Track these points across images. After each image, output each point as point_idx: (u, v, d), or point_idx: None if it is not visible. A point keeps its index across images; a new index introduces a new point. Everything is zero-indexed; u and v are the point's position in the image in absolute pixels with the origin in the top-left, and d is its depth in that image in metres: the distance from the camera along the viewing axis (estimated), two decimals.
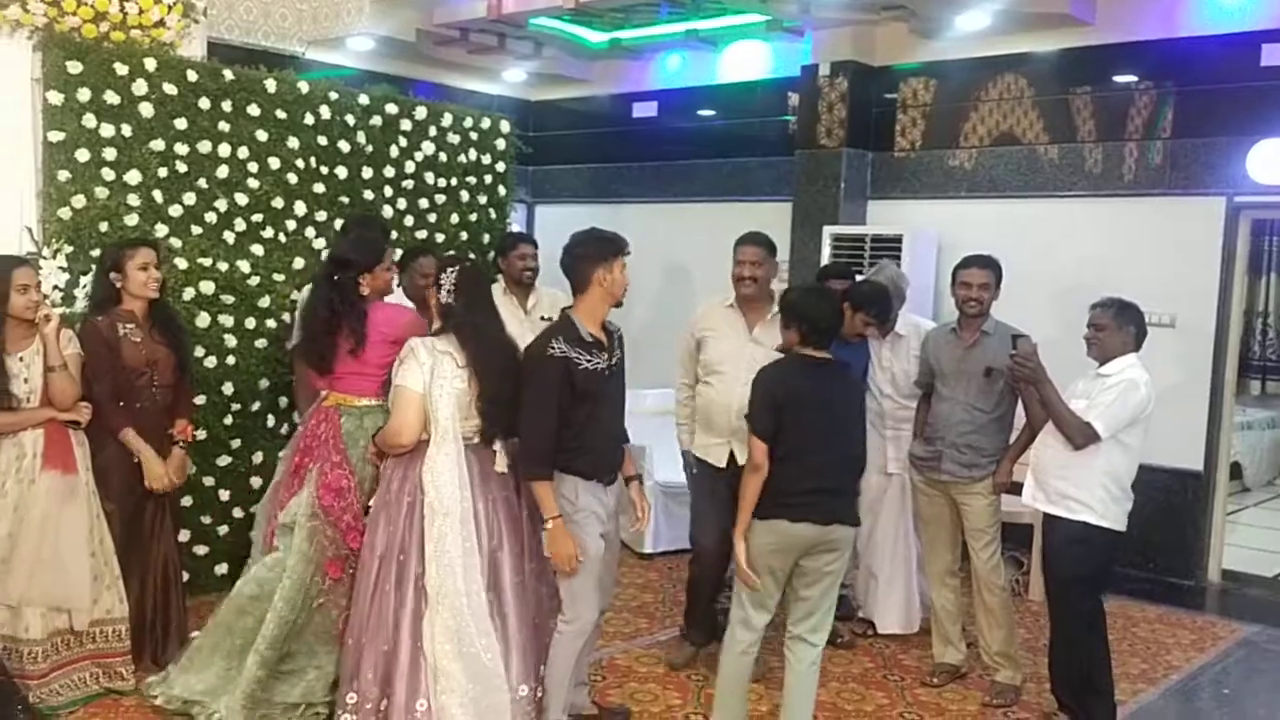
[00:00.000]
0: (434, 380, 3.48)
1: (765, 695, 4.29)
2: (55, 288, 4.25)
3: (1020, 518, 4.76)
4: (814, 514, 3.54)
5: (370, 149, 5.44)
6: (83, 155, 4.42)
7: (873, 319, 4.77)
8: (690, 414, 4.60)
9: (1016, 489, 4.32)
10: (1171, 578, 6.14)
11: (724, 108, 8.32)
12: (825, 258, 6.88)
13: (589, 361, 3.56)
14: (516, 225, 7.40)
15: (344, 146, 5.32)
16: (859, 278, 5.18)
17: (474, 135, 5.99)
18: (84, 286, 4.31)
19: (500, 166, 6.16)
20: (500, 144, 6.15)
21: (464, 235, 5.97)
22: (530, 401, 3.54)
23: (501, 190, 6.18)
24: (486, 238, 6.09)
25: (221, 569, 4.86)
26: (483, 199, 6.07)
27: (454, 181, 5.89)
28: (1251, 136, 5.84)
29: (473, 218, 6.01)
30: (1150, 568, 6.14)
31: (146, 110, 4.58)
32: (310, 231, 5.19)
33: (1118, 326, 3.98)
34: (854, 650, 4.91)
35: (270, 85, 5.00)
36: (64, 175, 4.39)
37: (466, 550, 3.47)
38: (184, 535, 4.62)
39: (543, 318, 5.24)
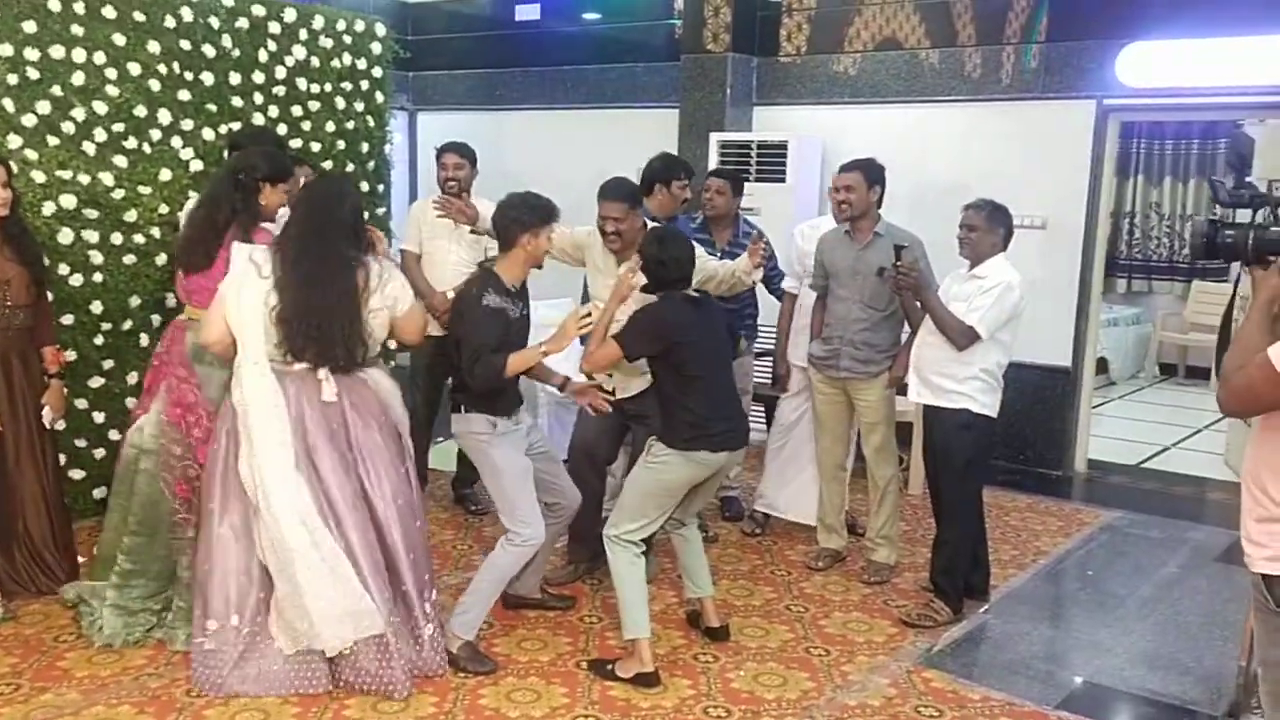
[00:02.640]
0: (238, 291, 3.41)
1: (658, 595, 4.40)
2: None
3: (903, 416, 4.92)
4: (730, 441, 3.81)
5: (237, 54, 5.20)
6: None
7: (688, 182, 4.90)
8: None
9: (903, 389, 4.48)
10: (1041, 469, 6.45)
11: (609, 10, 8.15)
12: (713, 165, 6.86)
13: (512, 310, 3.72)
14: (397, 134, 7.18)
15: (209, 51, 5.06)
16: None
17: (348, 39, 5.76)
18: None
19: (377, 72, 5.95)
20: (376, 48, 5.94)
21: (341, 144, 5.78)
22: (471, 339, 3.64)
23: (379, 97, 5.98)
24: (365, 146, 5.91)
25: (100, 492, 4.71)
26: (360, 106, 5.87)
27: (328, 88, 5.68)
28: (1121, 40, 5.98)
29: (350, 125, 5.82)
30: (1021, 459, 6.44)
31: None
32: (177, 141, 4.96)
33: (989, 228, 4.12)
34: (742, 549, 5.06)
35: None
36: None
37: (284, 469, 3.38)
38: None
39: (472, 230, 5.01)
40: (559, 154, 7.96)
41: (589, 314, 3.75)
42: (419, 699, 3.53)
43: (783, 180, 6.73)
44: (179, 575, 3.86)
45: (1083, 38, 6.17)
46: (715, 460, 3.78)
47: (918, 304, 4.24)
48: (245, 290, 3.41)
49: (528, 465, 3.84)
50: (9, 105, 4.38)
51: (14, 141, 4.39)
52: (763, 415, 6.77)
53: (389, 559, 3.57)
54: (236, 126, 5.11)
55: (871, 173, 4.50)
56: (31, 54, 4.43)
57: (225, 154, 4.76)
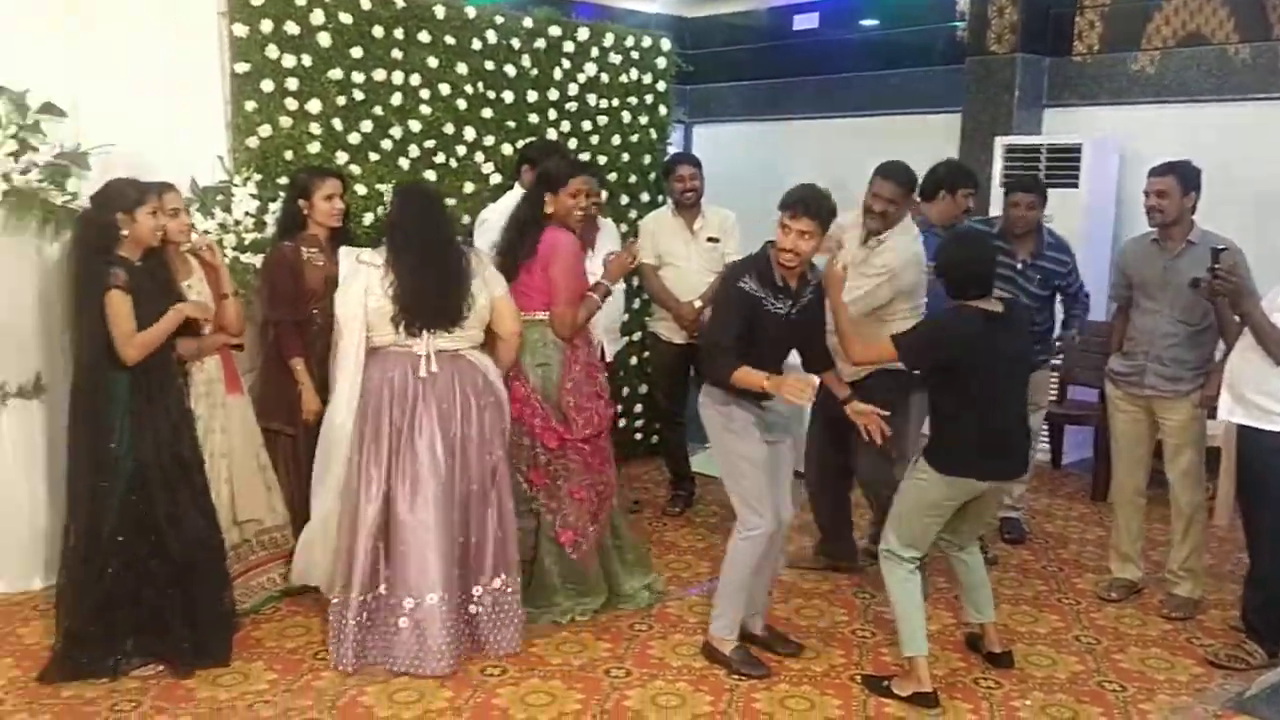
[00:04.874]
0: (347, 293, 3.75)
1: (934, 615, 4.27)
2: (246, 213, 4.47)
3: (1210, 440, 4.54)
4: (1000, 473, 3.68)
5: (535, 72, 5.50)
6: (267, 85, 4.60)
7: (972, 191, 4.83)
8: None
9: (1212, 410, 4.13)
10: None
11: (888, 17, 8.04)
12: (997, 171, 6.62)
13: (773, 304, 3.64)
14: (675, 145, 7.37)
15: (510, 71, 5.39)
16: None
17: (635, 55, 5.98)
18: (273, 213, 4.52)
19: (660, 86, 6.15)
20: (661, 63, 6.13)
21: (625, 156, 5.99)
22: (715, 323, 3.76)
23: (662, 110, 6.17)
24: (647, 158, 6.10)
25: None
26: (643, 119, 6.07)
27: (615, 102, 5.91)
28: None
29: (634, 138, 6.03)
30: None
31: (324, 40, 4.73)
32: (479, 156, 5.31)
33: None
34: (1025, 574, 4.83)
35: (439, 11, 5.10)
36: (250, 105, 4.59)
37: (348, 456, 3.76)
38: None
39: (710, 238, 5.23)
40: (836, 162, 7.83)
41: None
42: (695, 697, 3.60)
43: (1075, 186, 6.38)
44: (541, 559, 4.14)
45: None
46: (979, 488, 3.62)
47: (1235, 315, 3.90)
48: (353, 286, 3.73)
49: (764, 452, 3.73)
50: (338, 125, 4.82)
51: (341, 158, 4.82)
52: (1047, 434, 6.48)
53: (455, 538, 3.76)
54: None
55: (1187, 177, 4.18)
56: (358, 77, 4.87)
57: (518, 168, 5.06)
